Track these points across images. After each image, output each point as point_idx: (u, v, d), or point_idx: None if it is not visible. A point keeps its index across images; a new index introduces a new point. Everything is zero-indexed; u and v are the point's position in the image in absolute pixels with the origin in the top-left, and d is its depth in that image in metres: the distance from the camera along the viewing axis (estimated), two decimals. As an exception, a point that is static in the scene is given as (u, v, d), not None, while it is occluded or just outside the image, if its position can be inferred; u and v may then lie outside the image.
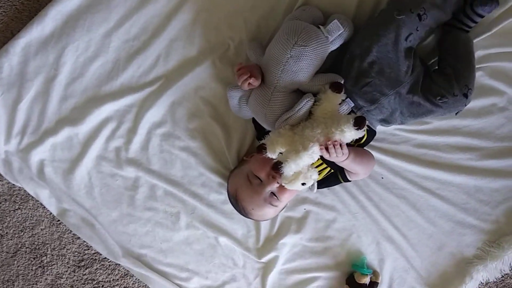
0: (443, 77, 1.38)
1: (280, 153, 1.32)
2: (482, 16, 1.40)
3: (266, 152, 1.32)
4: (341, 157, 1.30)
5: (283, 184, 1.35)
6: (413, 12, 1.30)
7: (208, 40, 1.55)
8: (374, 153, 1.56)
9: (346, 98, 1.35)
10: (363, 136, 1.43)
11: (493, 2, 1.37)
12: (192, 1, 1.51)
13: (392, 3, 1.36)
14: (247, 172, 1.47)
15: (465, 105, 1.40)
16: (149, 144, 1.64)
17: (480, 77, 1.50)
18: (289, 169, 1.29)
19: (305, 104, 1.31)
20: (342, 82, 1.34)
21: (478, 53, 1.48)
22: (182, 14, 1.52)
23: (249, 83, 1.36)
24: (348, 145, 1.34)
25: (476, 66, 1.48)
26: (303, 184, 1.32)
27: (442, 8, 1.33)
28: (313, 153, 1.28)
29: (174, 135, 1.63)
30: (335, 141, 1.27)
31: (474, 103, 1.52)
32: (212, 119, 1.60)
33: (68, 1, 1.52)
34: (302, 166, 1.30)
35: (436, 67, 1.45)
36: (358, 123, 1.24)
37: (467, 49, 1.42)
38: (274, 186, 1.44)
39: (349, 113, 1.38)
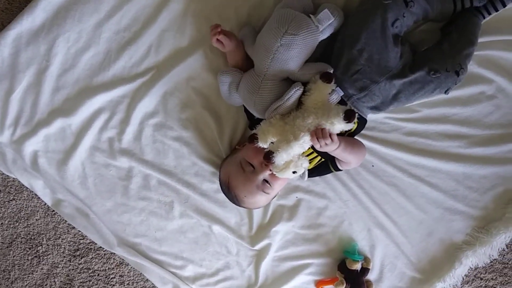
0: (438, 52, 1.39)
1: (271, 142, 1.34)
2: (505, 5, 1.41)
3: (258, 142, 1.33)
4: (331, 146, 1.32)
5: (274, 173, 1.37)
6: None
7: (199, 30, 1.55)
8: (364, 141, 1.57)
9: (336, 87, 1.36)
10: (354, 125, 1.45)
11: None
12: (183, -9, 1.52)
13: None
14: (240, 159, 1.49)
15: (456, 84, 1.41)
16: (142, 135, 1.65)
17: (469, 65, 1.50)
18: (280, 158, 1.30)
19: (294, 93, 1.32)
20: (332, 71, 1.35)
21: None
22: (173, 4, 1.52)
23: (217, 39, 1.39)
24: (338, 134, 1.35)
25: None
26: (294, 172, 1.34)
27: (428, 1, 1.34)
28: (304, 143, 1.30)
29: (167, 125, 1.64)
30: (323, 128, 1.28)
31: (463, 91, 1.53)
32: (204, 109, 1.61)
33: (58, -9, 1.52)
34: (293, 155, 1.31)
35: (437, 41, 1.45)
36: (348, 116, 1.25)
37: (475, 31, 1.43)
38: (266, 173, 1.45)
39: (339, 102, 1.39)
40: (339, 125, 1.27)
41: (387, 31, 1.33)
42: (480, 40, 1.47)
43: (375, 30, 1.33)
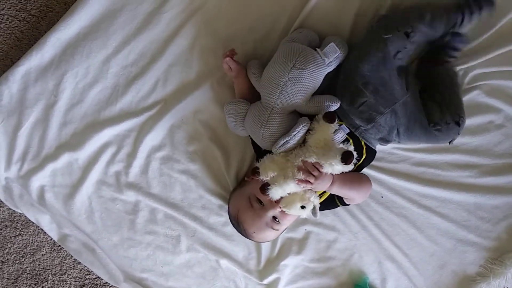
0: (435, 106, 1.39)
1: (272, 176, 1.34)
2: (458, 50, 1.42)
3: (259, 175, 1.35)
4: (323, 184, 1.30)
5: (282, 209, 1.35)
6: (400, 30, 1.31)
7: (205, 64, 1.56)
8: (373, 172, 1.56)
9: (340, 125, 1.36)
10: (362, 156, 1.44)
11: (463, 37, 1.39)
12: (189, 26, 1.53)
13: (379, 22, 1.38)
14: (249, 194, 1.47)
15: (458, 133, 1.41)
16: (148, 168, 1.64)
17: (477, 95, 1.51)
18: (275, 192, 1.32)
19: (301, 129, 1.32)
20: (338, 104, 1.35)
21: (474, 72, 1.49)
22: (180, 39, 1.54)
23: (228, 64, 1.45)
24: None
25: (473, 85, 1.50)
26: (302, 207, 1.33)
27: (431, 26, 1.33)
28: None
29: (174, 158, 1.63)
30: (310, 164, 1.28)
31: (472, 121, 1.52)
32: (211, 141, 1.61)
33: (67, 28, 1.53)
34: (289, 192, 1.32)
35: (427, 93, 1.45)
36: (345, 158, 1.25)
37: (452, 79, 1.45)
38: (276, 211, 1.43)
39: (348, 134, 1.39)
40: (338, 167, 1.27)
41: (389, 64, 1.34)
42: (486, 70, 1.47)
43: (377, 64, 1.33)
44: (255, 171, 1.36)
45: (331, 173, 1.31)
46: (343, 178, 1.37)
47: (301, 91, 1.34)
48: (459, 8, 1.33)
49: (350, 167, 1.28)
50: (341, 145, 1.31)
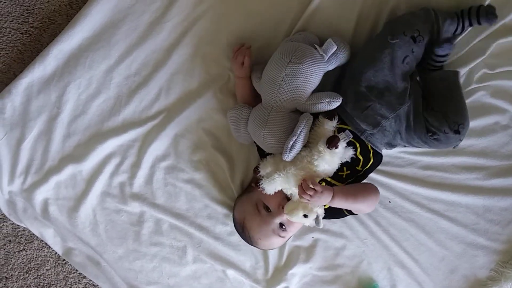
0: (433, 115, 1.37)
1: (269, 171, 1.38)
2: (443, 56, 1.41)
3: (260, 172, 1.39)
4: (321, 199, 1.29)
5: (285, 215, 1.36)
6: (407, 35, 1.32)
7: (208, 72, 1.56)
8: (379, 177, 1.55)
9: (336, 123, 1.35)
10: (369, 160, 1.42)
11: (447, 41, 1.38)
12: (191, 35, 1.53)
13: (386, 27, 1.38)
14: (256, 200, 1.46)
15: (460, 140, 1.39)
16: (153, 178, 1.63)
17: (482, 96, 1.50)
18: (267, 185, 1.35)
19: (305, 125, 1.31)
20: (340, 100, 1.34)
21: (479, 73, 1.48)
22: (182, 48, 1.54)
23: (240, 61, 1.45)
24: (352, 173, 1.37)
25: (478, 85, 1.49)
26: (305, 216, 1.32)
27: (433, 32, 1.34)
28: (288, 177, 1.32)
29: (178, 167, 1.62)
30: (308, 180, 1.29)
31: (477, 122, 1.52)
32: (215, 150, 1.60)
33: (69, 40, 1.53)
34: (278, 187, 1.36)
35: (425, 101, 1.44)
36: (329, 141, 1.27)
37: (450, 85, 1.41)
38: (284, 217, 1.42)
39: (351, 140, 1.38)
40: (327, 156, 1.28)
41: (396, 69, 1.33)
42: (491, 71, 1.47)
43: (383, 69, 1.33)
44: (256, 170, 1.39)
45: (331, 189, 1.31)
46: (345, 191, 1.35)
47: (299, 87, 1.33)
48: (459, 18, 1.36)
49: (338, 152, 1.29)
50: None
